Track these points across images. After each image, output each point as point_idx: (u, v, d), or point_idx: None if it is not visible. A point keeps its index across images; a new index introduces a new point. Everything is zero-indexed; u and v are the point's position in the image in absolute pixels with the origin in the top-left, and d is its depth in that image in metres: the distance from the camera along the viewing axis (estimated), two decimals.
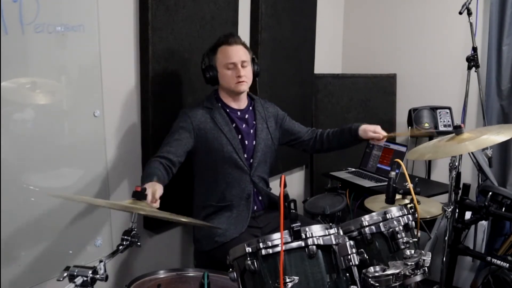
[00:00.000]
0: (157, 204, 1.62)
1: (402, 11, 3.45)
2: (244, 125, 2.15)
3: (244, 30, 2.69)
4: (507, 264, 2.18)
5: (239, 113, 2.16)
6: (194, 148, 2.06)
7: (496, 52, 3.01)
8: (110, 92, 2.05)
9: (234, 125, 2.12)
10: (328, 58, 3.58)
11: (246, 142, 2.14)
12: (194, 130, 2.04)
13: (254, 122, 2.19)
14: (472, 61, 2.72)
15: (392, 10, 3.49)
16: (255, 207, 2.17)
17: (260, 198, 2.20)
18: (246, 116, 2.18)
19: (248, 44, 2.71)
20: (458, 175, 2.20)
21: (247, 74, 2.08)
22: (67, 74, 1.88)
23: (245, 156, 2.12)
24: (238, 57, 2.04)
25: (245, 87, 2.10)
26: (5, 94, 1.67)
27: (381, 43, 3.57)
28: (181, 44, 2.25)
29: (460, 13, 2.64)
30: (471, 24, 2.70)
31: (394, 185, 1.81)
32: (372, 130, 2.15)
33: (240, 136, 2.12)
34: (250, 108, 2.21)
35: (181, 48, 2.25)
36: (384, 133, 2.14)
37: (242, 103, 2.17)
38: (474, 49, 2.73)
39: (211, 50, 2.09)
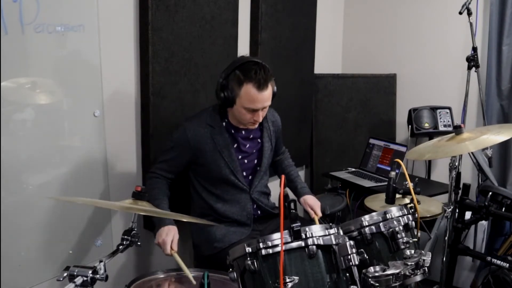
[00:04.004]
0: (174, 253, 1.76)
1: (402, 11, 3.45)
2: (247, 145, 2.08)
3: (244, 30, 2.69)
4: (507, 264, 2.18)
5: (243, 132, 2.06)
6: (191, 164, 2.07)
7: (496, 52, 3.01)
8: (110, 92, 2.05)
9: (235, 145, 2.05)
10: (328, 58, 3.58)
11: (246, 161, 2.09)
12: (192, 151, 2.00)
13: (259, 140, 2.13)
14: (472, 61, 2.72)
15: (392, 10, 3.49)
16: (255, 216, 2.15)
17: (259, 212, 2.16)
18: (251, 135, 2.10)
19: (248, 44, 2.73)
20: (458, 175, 2.20)
21: (263, 115, 1.96)
22: (67, 74, 1.87)
23: (244, 174, 2.08)
24: (262, 104, 1.90)
25: (256, 125, 2.02)
26: (5, 94, 1.67)
27: (381, 43, 3.57)
28: (181, 44, 2.24)
29: (460, 13, 2.64)
30: (471, 24, 2.70)
31: (394, 185, 1.81)
32: (310, 206, 2.16)
33: (240, 157, 2.06)
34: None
35: (181, 48, 2.25)
36: (316, 216, 2.12)
37: None
38: (474, 49, 2.74)
39: (237, 79, 1.87)
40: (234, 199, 2.08)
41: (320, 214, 2.14)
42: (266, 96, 1.89)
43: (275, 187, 2.45)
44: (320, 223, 2.12)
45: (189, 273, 1.65)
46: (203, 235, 2.07)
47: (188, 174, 2.13)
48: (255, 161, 2.13)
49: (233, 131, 2.05)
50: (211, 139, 1.99)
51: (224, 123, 2.03)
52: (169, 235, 1.81)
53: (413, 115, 3.19)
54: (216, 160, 2.01)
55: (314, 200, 2.20)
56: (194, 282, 1.62)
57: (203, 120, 2.01)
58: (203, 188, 2.09)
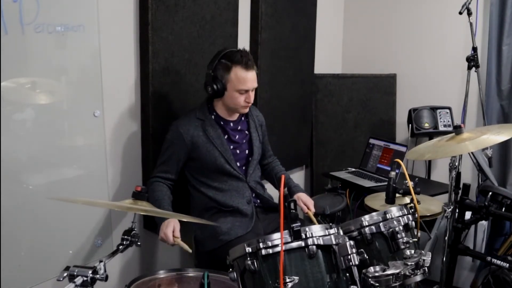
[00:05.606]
0: (178, 240, 1.83)
1: (402, 11, 3.45)
2: (237, 136, 2.17)
3: (244, 30, 2.69)
4: (507, 264, 2.18)
5: (232, 124, 2.16)
6: (188, 160, 2.11)
7: (496, 52, 3.01)
8: (110, 92, 2.05)
9: (226, 136, 2.13)
10: (328, 58, 3.58)
11: (238, 151, 2.16)
12: (187, 146, 2.06)
13: (247, 132, 2.21)
14: (472, 61, 2.72)
15: (392, 10, 3.49)
16: (256, 204, 2.19)
17: (259, 201, 2.22)
18: (239, 127, 2.19)
19: (248, 44, 2.74)
20: (458, 175, 2.19)
21: (253, 97, 2.09)
22: (67, 74, 1.88)
23: (238, 164, 2.15)
24: (252, 84, 2.03)
25: (247, 109, 2.14)
26: (5, 94, 1.67)
27: (381, 43, 3.57)
28: (181, 44, 2.25)
29: (460, 13, 2.64)
30: (471, 24, 2.70)
31: (394, 185, 1.81)
32: (304, 202, 2.20)
33: (232, 147, 2.13)
34: (243, 118, 2.22)
35: (181, 48, 2.25)
36: (309, 211, 2.16)
37: (236, 114, 2.18)
38: (474, 49, 2.73)
39: (224, 66, 2.00)
40: (232, 188, 2.13)
41: (313, 210, 2.18)
42: (253, 76, 2.03)
43: (272, 188, 2.44)
44: (319, 222, 2.12)
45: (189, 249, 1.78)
46: (208, 230, 2.08)
47: (185, 173, 2.16)
48: (246, 151, 2.20)
49: (222, 123, 2.14)
50: (203, 131, 2.08)
51: (213, 116, 2.12)
52: (169, 227, 1.85)
53: (413, 115, 3.19)
54: (210, 151, 2.07)
55: (307, 197, 2.25)
56: (190, 250, 1.78)
57: (193, 116, 2.10)
58: (201, 183, 2.13)
